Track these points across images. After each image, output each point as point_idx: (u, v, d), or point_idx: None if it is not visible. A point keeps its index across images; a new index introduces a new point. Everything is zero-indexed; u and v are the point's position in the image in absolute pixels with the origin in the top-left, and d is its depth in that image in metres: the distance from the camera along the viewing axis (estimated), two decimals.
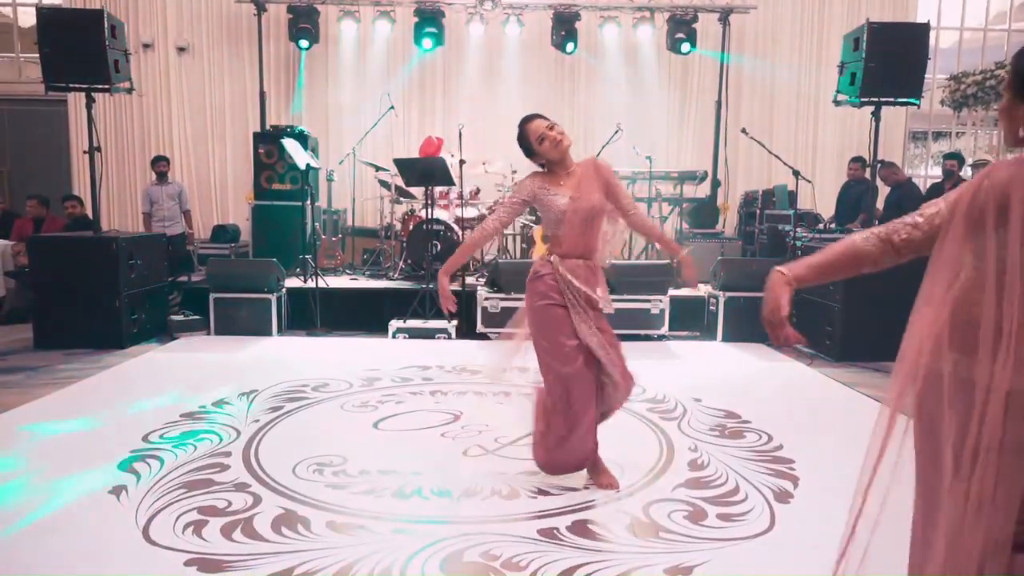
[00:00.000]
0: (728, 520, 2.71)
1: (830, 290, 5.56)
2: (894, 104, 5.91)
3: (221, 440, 3.47)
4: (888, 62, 5.54)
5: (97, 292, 5.57)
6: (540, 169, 2.94)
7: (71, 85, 5.78)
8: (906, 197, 7.45)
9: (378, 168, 7.73)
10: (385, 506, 2.77)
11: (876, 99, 5.70)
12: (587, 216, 2.81)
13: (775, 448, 3.50)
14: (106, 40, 5.51)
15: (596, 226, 2.86)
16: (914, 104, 5.92)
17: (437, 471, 3.11)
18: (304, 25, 8.46)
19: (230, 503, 2.75)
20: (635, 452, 3.38)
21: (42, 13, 5.73)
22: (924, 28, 5.64)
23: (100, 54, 5.51)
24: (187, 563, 2.31)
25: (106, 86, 5.69)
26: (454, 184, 6.60)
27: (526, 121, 2.87)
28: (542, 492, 2.91)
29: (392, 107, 8.03)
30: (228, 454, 3.29)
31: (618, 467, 3.15)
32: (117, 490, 2.86)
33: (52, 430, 3.59)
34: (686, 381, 4.81)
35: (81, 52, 5.50)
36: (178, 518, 2.62)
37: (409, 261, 7.17)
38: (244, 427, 3.69)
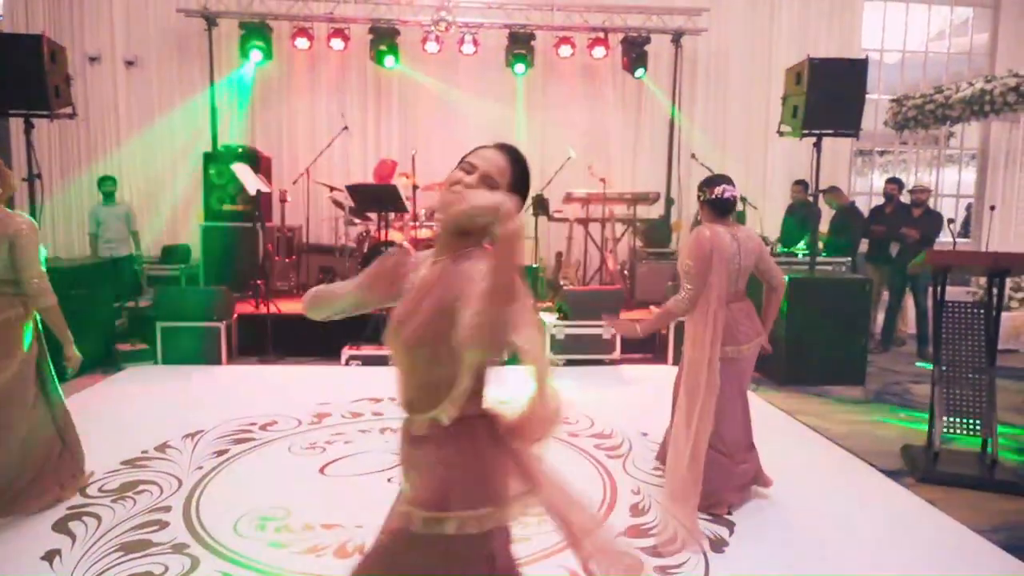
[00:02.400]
0: (664, 572, 2.78)
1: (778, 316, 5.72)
2: (834, 136, 6.10)
3: (162, 492, 3.43)
4: (828, 96, 5.73)
5: None
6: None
7: (9, 112, 5.62)
8: (849, 219, 7.72)
9: (332, 188, 7.68)
10: (325, 566, 2.77)
11: (817, 131, 5.88)
12: (413, 342, 1.47)
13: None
14: (46, 66, 5.37)
15: (433, 360, 1.44)
16: (852, 136, 6.13)
17: (380, 523, 3.11)
18: (256, 42, 8.36)
19: (167, 568, 2.72)
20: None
21: None
22: (862, 64, 5.84)
23: (40, 80, 5.36)
24: None
25: (46, 112, 5.55)
26: (406, 211, 6.61)
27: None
28: None
29: (346, 127, 8.02)
30: (168, 508, 3.25)
31: None
32: (50, 555, 2.80)
33: None
34: (634, 411, 4.89)
35: (19, 78, 5.35)
36: None
37: None
38: (187, 475, 3.64)
